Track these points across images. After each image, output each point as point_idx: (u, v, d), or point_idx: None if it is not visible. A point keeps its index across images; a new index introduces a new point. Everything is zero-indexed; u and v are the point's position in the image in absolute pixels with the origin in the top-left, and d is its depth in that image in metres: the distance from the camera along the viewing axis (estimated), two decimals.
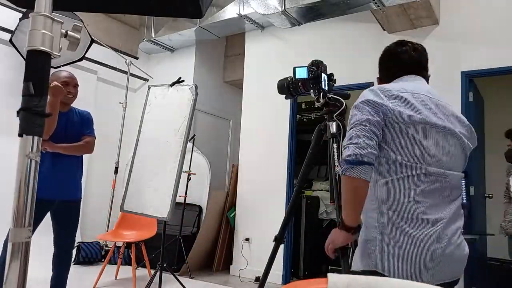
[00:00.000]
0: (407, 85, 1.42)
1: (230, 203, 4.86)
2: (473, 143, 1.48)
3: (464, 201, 3.23)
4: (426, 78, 1.53)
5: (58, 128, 2.59)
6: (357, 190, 1.27)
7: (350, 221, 1.31)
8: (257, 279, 4.33)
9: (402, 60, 1.51)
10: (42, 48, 0.74)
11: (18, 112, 0.73)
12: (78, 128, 2.83)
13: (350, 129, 1.34)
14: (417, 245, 1.25)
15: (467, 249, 1.39)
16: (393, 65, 1.54)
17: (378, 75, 1.62)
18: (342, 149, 1.34)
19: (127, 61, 5.39)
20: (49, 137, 2.55)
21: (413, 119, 1.31)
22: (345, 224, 1.32)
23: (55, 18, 0.77)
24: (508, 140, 2.75)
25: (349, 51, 4.21)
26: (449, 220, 1.32)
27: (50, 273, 2.72)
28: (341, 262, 1.60)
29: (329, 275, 0.74)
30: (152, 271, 3.61)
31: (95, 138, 2.91)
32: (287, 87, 1.96)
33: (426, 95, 1.40)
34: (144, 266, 4.11)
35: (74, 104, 2.91)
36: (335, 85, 2.01)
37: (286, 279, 4.26)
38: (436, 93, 1.46)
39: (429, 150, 1.32)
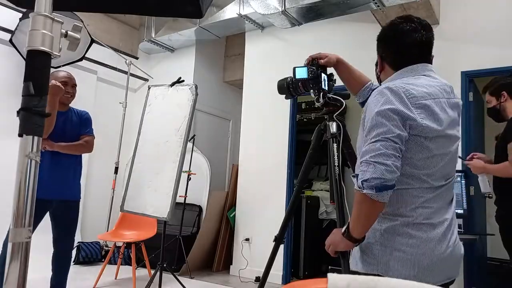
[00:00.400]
0: (425, 83, 1.32)
1: (230, 203, 4.86)
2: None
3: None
4: (431, 60, 1.42)
5: (56, 127, 2.59)
6: (374, 211, 1.23)
7: (357, 234, 1.28)
8: (257, 279, 4.33)
9: (412, 42, 1.36)
10: (42, 48, 0.74)
11: (18, 112, 0.74)
12: (77, 128, 2.83)
13: (376, 141, 1.20)
14: (420, 248, 1.24)
15: (462, 249, 1.39)
16: (402, 48, 1.38)
17: (378, 54, 1.49)
18: (361, 160, 1.22)
19: (127, 61, 5.39)
20: (47, 136, 2.55)
21: (434, 133, 1.26)
22: (351, 235, 1.28)
23: (55, 18, 0.77)
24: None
25: (349, 51, 4.19)
26: (450, 222, 1.32)
27: (50, 273, 2.72)
28: (341, 262, 1.60)
29: (329, 275, 0.74)
30: (152, 271, 3.61)
31: (94, 137, 2.91)
32: (287, 87, 1.96)
33: (444, 98, 1.33)
34: (144, 266, 4.11)
35: (74, 104, 2.91)
36: (335, 85, 2.01)
37: (286, 279, 4.26)
38: (449, 87, 1.39)
39: (441, 164, 1.29)
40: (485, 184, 2.66)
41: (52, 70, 2.92)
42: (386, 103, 1.24)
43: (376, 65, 1.55)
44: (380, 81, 1.55)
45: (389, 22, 1.45)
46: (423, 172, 1.26)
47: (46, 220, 2.61)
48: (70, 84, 2.77)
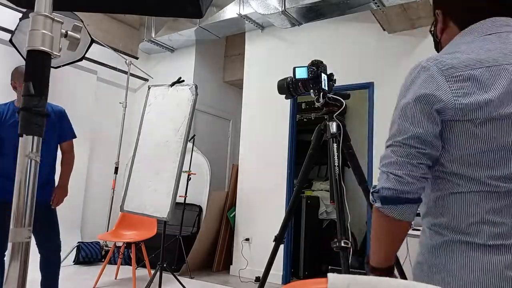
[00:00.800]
0: (484, 45, 0.92)
1: (230, 203, 4.86)
2: None
3: None
4: None
5: None
6: (394, 232, 0.95)
7: (375, 261, 0.99)
8: (257, 279, 4.33)
9: None
10: (42, 48, 0.74)
11: (18, 112, 0.74)
12: (54, 126, 2.69)
13: (388, 146, 0.95)
14: (477, 275, 0.89)
15: None
16: None
17: (438, 7, 1.07)
18: (379, 168, 0.96)
19: (127, 61, 5.39)
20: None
21: (484, 114, 0.87)
22: (371, 265, 1.00)
23: (55, 18, 0.77)
24: None
25: (349, 51, 4.21)
26: None
27: None
28: (341, 262, 1.60)
29: (329, 275, 0.74)
30: (152, 271, 3.61)
31: (75, 137, 2.84)
32: (287, 87, 1.96)
33: (509, 64, 0.89)
34: (144, 266, 4.11)
35: (74, 104, 2.91)
36: (335, 85, 2.02)
37: (286, 279, 4.26)
38: None
39: (505, 157, 0.89)
40: None
41: (53, 70, 2.90)
42: (407, 90, 0.95)
43: (432, 31, 1.15)
44: (440, 49, 1.14)
45: None
46: (484, 173, 0.89)
47: None
48: None
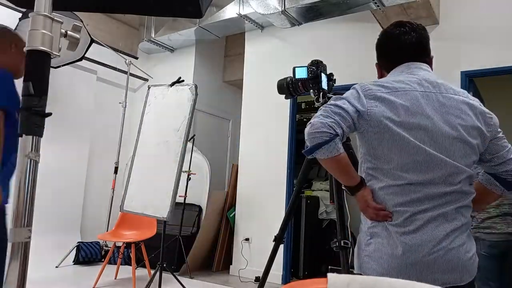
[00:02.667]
0: (399, 78, 1.30)
1: (230, 203, 4.86)
2: (490, 130, 1.39)
3: None
4: (429, 61, 1.40)
5: None
6: (339, 164, 1.23)
7: (348, 182, 1.28)
8: (257, 279, 4.33)
9: (401, 44, 1.38)
10: (41, 48, 0.74)
11: (17, 112, 0.74)
12: None
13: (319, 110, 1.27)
14: (399, 248, 1.18)
15: (463, 254, 1.21)
16: (391, 50, 1.42)
17: (376, 61, 1.54)
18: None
19: (127, 61, 5.39)
20: None
21: (398, 123, 1.21)
22: (348, 187, 1.30)
23: (55, 18, 0.78)
24: None
25: (349, 51, 4.21)
26: (439, 224, 1.19)
27: (49, 273, 2.71)
28: (341, 262, 1.60)
29: (329, 275, 0.75)
30: (152, 271, 3.61)
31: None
32: (287, 87, 1.96)
33: (417, 91, 1.26)
34: (144, 266, 4.10)
35: (73, 103, 2.90)
36: (334, 85, 2.02)
37: (286, 279, 4.26)
38: (432, 82, 1.30)
39: (417, 157, 1.20)
40: None
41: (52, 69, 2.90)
42: (349, 94, 1.31)
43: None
44: None
45: (383, 30, 1.50)
46: (391, 168, 1.22)
47: (46, 220, 2.61)
48: None
